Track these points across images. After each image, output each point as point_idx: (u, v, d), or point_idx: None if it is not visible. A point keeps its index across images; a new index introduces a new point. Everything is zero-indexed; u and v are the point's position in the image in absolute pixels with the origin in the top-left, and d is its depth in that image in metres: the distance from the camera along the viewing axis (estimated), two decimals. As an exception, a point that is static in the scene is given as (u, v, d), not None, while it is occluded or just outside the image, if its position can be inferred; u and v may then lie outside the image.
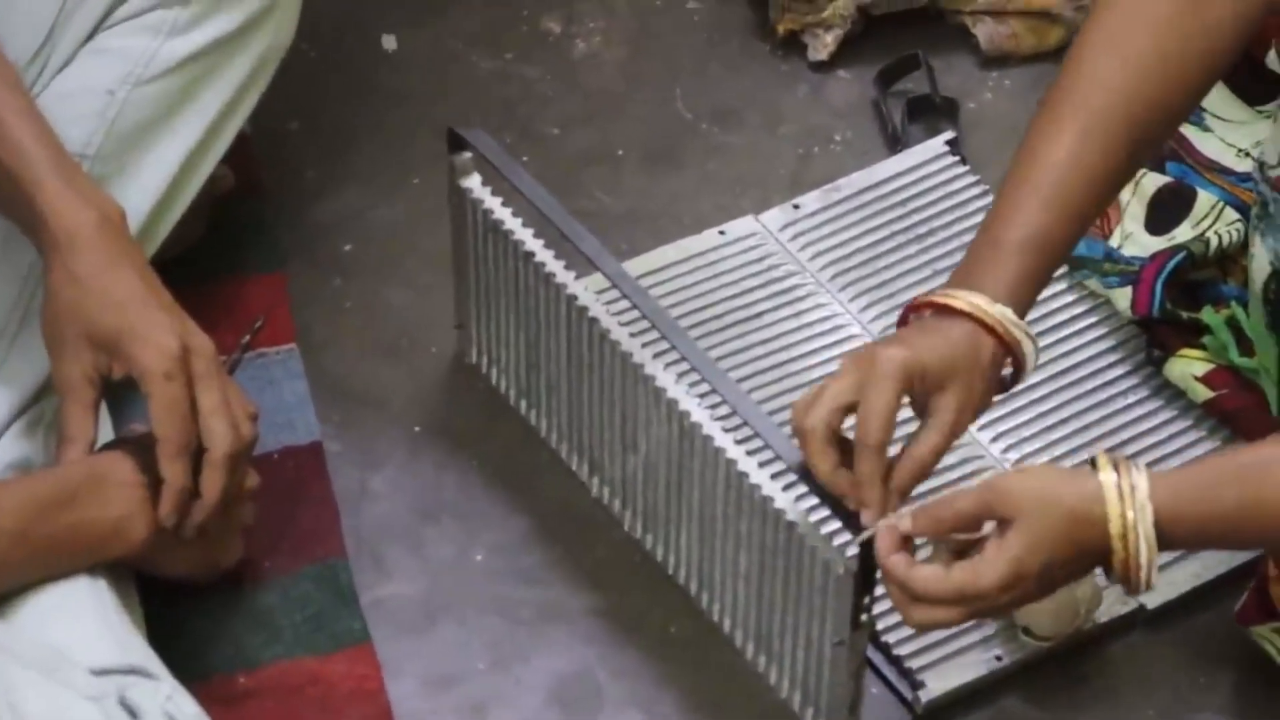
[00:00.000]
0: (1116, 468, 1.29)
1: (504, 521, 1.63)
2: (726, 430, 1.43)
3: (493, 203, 1.55)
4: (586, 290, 1.49)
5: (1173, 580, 1.58)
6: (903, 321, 1.41)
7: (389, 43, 1.98)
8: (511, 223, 1.54)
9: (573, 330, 1.47)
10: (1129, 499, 1.29)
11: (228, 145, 1.65)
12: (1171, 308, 1.68)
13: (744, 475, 1.39)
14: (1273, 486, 1.29)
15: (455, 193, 1.57)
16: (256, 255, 1.79)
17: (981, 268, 1.38)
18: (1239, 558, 1.58)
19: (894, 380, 1.33)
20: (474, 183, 1.56)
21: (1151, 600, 1.57)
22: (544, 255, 1.52)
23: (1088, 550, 1.30)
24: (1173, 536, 1.29)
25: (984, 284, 1.37)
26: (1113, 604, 1.56)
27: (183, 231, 1.66)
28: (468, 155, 1.54)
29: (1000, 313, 1.36)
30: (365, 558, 1.60)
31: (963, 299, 1.36)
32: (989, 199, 1.83)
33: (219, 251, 1.77)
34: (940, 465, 1.60)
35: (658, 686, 1.51)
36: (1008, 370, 1.39)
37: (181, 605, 1.53)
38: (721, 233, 1.82)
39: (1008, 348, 1.37)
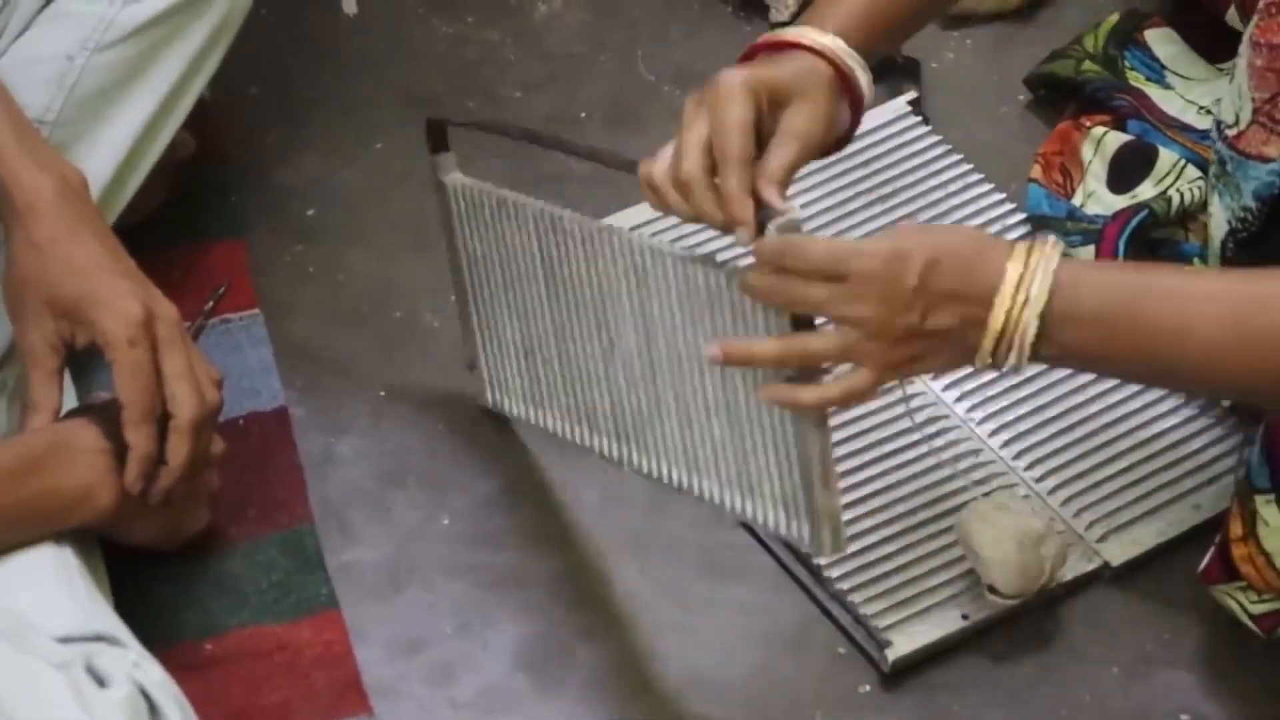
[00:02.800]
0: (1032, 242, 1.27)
1: (470, 486, 1.63)
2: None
3: (474, 183, 1.52)
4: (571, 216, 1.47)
5: (1136, 538, 1.58)
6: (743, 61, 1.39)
7: (349, 6, 1.97)
8: (499, 192, 1.51)
9: (559, 249, 1.45)
10: (1037, 250, 1.26)
11: (188, 111, 1.65)
12: (1134, 266, 1.69)
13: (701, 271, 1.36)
14: (1178, 294, 1.26)
15: (440, 189, 1.53)
16: (219, 221, 1.78)
17: (816, 13, 1.38)
18: (1202, 515, 1.59)
19: (740, 93, 1.30)
20: (456, 176, 1.54)
21: (1116, 558, 1.57)
22: (524, 199, 1.50)
23: (978, 276, 1.25)
24: (1067, 310, 1.25)
25: (817, 23, 1.37)
26: (1078, 561, 1.57)
27: (144, 198, 1.66)
28: (449, 154, 1.51)
29: (833, 41, 1.35)
30: (331, 523, 1.59)
31: (792, 34, 1.36)
32: (952, 158, 1.83)
33: (181, 218, 1.77)
34: (906, 425, 1.62)
35: (623, 646, 1.51)
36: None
37: (147, 572, 1.52)
38: (684, 195, 1.81)
39: (843, 76, 1.35)
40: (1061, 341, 1.26)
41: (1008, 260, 1.25)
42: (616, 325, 1.40)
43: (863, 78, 1.37)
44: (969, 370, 1.31)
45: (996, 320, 1.25)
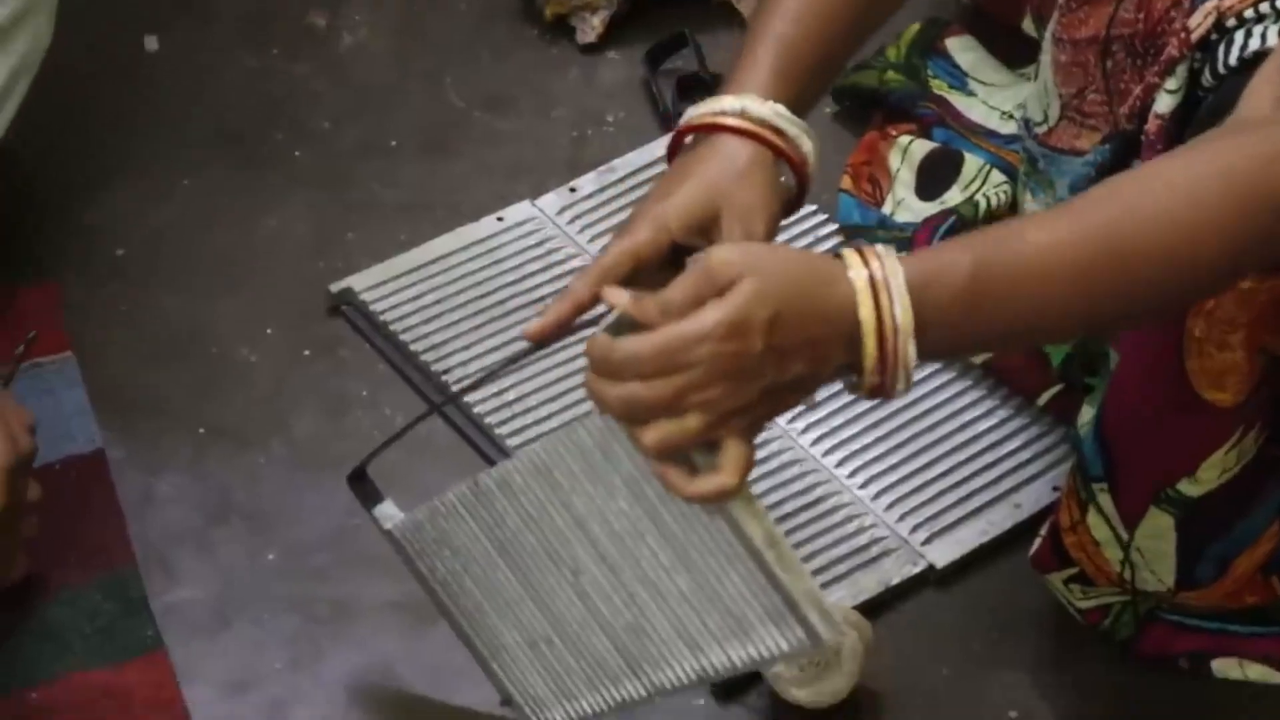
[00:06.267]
0: (858, 250, 1.18)
1: (295, 520, 1.62)
2: None
3: (410, 515, 1.43)
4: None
5: (959, 539, 1.60)
6: (673, 152, 1.35)
7: (151, 44, 1.95)
8: (429, 505, 1.40)
9: (492, 515, 1.36)
10: (873, 257, 1.17)
11: (-11, 154, 1.63)
12: (946, 271, 1.70)
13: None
14: (1018, 242, 1.20)
15: (389, 537, 1.44)
16: (27, 265, 1.76)
17: (736, 75, 1.33)
18: (1023, 514, 1.61)
19: (646, 237, 1.28)
20: (397, 519, 1.43)
21: (940, 560, 1.59)
22: (447, 495, 1.40)
23: (826, 315, 1.16)
24: (928, 302, 1.17)
25: (737, 87, 1.32)
26: (902, 565, 1.58)
27: (-52, 244, 1.63)
28: (385, 501, 1.43)
29: (759, 107, 1.30)
30: (154, 564, 1.58)
31: (711, 113, 1.31)
32: (763, 172, 1.84)
33: (-13, 263, 1.74)
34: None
35: (458, 675, 1.50)
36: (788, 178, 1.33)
37: (-33, 623, 1.50)
38: (500, 219, 1.82)
39: (772, 147, 1.31)
40: (931, 349, 1.20)
41: (847, 284, 1.16)
42: (566, 552, 1.32)
43: (797, 135, 1.32)
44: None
45: (869, 359, 1.18)
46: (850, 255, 1.18)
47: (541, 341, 1.29)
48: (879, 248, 1.18)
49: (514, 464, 1.32)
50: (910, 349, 1.17)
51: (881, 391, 1.19)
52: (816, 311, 1.16)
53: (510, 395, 1.67)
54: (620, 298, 1.17)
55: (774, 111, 1.31)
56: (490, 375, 1.44)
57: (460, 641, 1.45)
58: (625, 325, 1.17)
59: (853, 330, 1.17)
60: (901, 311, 1.16)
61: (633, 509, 1.27)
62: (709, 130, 1.32)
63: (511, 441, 1.64)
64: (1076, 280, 1.19)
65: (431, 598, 1.44)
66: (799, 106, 1.33)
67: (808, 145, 1.33)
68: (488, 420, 1.65)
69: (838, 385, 1.60)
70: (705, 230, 1.30)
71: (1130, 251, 1.19)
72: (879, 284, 1.16)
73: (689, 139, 1.34)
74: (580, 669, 1.38)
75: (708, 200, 1.29)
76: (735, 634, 1.27)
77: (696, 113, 1.33)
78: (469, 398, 1.65)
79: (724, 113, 1.31)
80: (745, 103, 1.31)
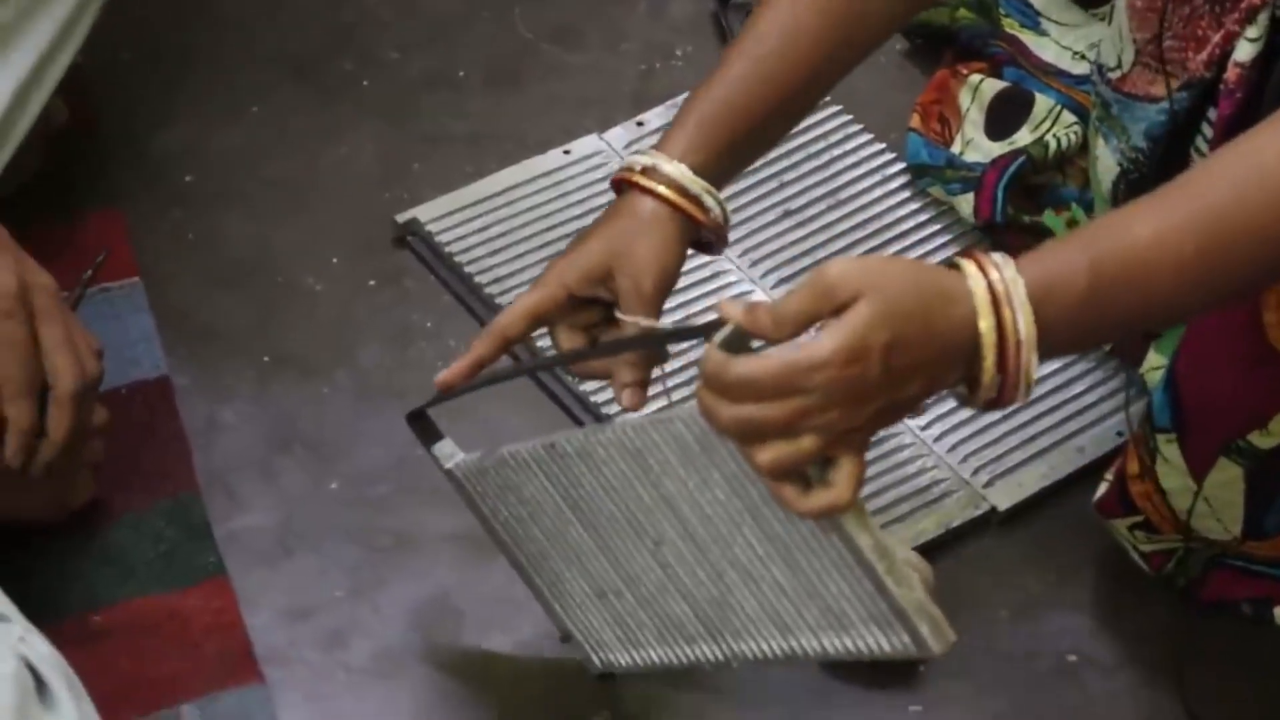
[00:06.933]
0: (974, 259, 1.17)
1: (357, 450, 1.62)
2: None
3: (475, 458, 1.43)
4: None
5: (1021, 482, 1.60)
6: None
7: (222, -31, 1.96)
8: (497, 454, 1.40)
9: (568, 476, 1.36)
10: (991, 267, 1.15)
11: (60, 79, 1.62)
12: (1014, 212, 1.70)
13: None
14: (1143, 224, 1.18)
15: (449, 477, 1.44)
16: (94, 190, 1.76)
17: (666, 134, 1.38)
18: (1085, 458, 1.60)
19: (542, 297, 1.36)
20: (458, 458, 1.43)
21: (1002, 503, 1.59)
22: (518, 447, 1.39)
23: (945, 334, 1.15)
24: (1049, 311, 1.15)
25: (664, 146, 1.37)
26: (964, 507, 1.58)
27: (17, 168, 1.63)
28: (444, 440, 1.43)
29: (674, 169, 1.35)
30: (218, 491, 1.58)
31: (623, 169, 1.37)
32: (831, 109, 1.84)
33: (55, 188, 1.75)
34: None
35: (517, 609, 1.51)
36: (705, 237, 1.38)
37: (31, 546, 1.51)
38: (566, 152, 1.81)
39: (677, 207, 1.35)
40: (1049, 353, 1.18)
41: (967, 300, 1.15)
42: (650, 524, 1.32)
43: (699, 194, 1.36)
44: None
45: (989, 375, 1.16)
46: (968, 265, 1.16)
47: (448, 392, 1.37)
48: (996, 256, 1.16)
49: (599, 438, 1.31)
50: (1033, 361, 1.16)
51: (998, 405, 1.18)
52: (936, 333, 1.14)
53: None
54: (734, 311, 1.16)
55: (679, 172, 1.35)
56: (444, 398, 1.41)
57: (520, 578, 1.45)
58: (736, 339, 1.16)
59: (971, 346, 1.15)
60: (1025, 325, 1.15)
61: (730, 501, 1.25)
62: (624, 185, 1.37)
63: (594, 397, 1.63)
64: (1191, 269, 1.18)
65: (491, 536, 1.44)
66: (716, 168, 1.37)
67: (712, 204, 1.36)
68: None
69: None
70: (602, 282, 1.35)
71: (1242, 234, 1.17)
72: (1000, 297, 1.15)
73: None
74: (651, 624, 1.37)
75: (603, 257, 1.35)
76: (833, 627, 1.26)
77: (622, 165, 1.38)
78: (543, 342, 1.65)
79: (632, 169, 1.37)
80: (656, 161, 1.36)
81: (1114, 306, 1.18)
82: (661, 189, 1.35)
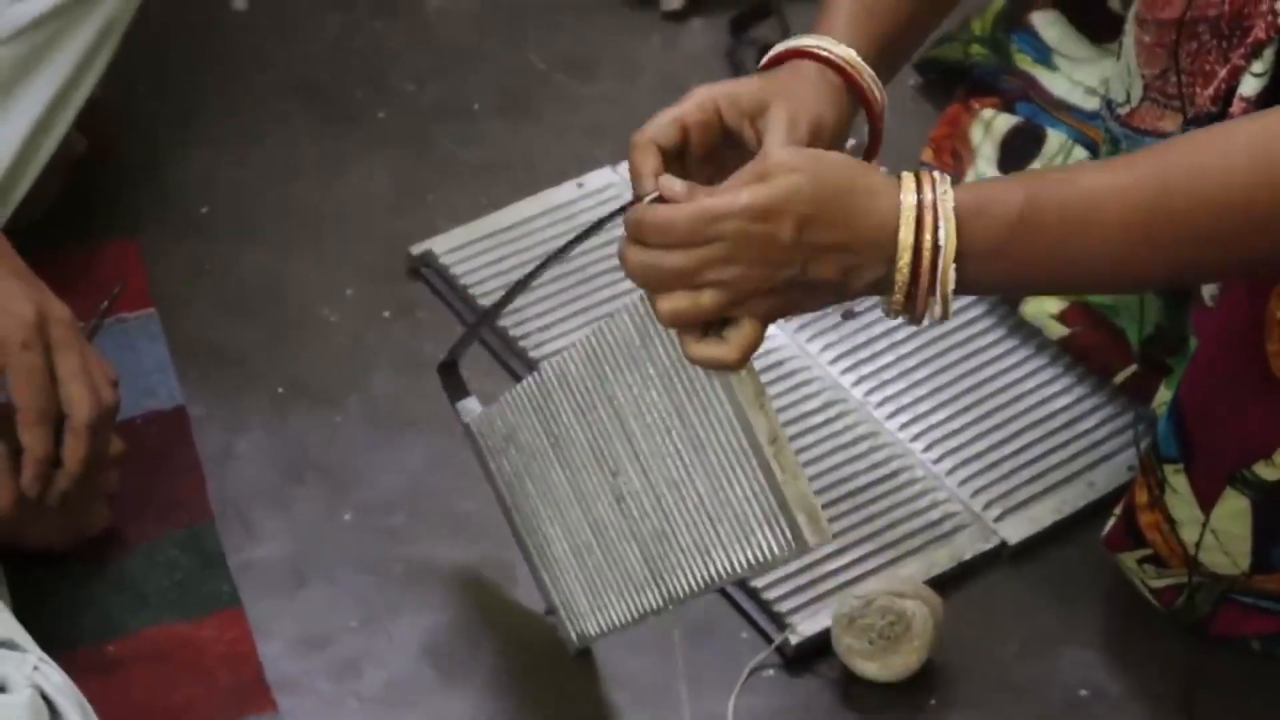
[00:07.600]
0: (918, 174, 1.19)
1: (371, 480, 1.63)
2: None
3: (488, 410, 1.46)
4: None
5: (1034, 516, 1.60)
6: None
7: (239, 3, 1.96)
8: (502, 399, 1.44)
9: (551, 407, 1.40)
10: (928, 180, 1.18)
11: (79, 110, 1.63)
12: (1025, 247, 1.70)
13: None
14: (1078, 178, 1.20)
15: (467, 432, 1.47)
16: (111, 220, 1.77)
17: (817, 28, 1.34)
18: (1097, 493, 1.61)
19: (692, 107, 1.28)
20: (477, 414, 1.47)
21: (1013, 537, 1.59)
22: (517, 387, 1.43)
23: (864, 227, 1.17)
24: (975, 229, 1.18)
25: (817, 31, 1.33)
26: (975, 541, 1.58)
27: (36, 198, 1.64)
28: (470, 398, 1.47)
29: (832, 45, 1.30)
30: (233, 520, 1.59)
31: (793, 42, 1.31)
32: (849, 143, 1.84)
33: (72, 218, 1.76)
34: (802, 410, 1.63)
35: (531, 639, 1.51)
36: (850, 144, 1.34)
37: (46, 575, 1.52)
38: (580, 185, 1.82)
39: (849, 79, 1.31)
40: (975, 280, 1.20)
41: (891, 201, 1.18)
42: (609, 450, 1.35)
43: (867, 77, 1.31)
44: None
45: (901, 277, 1.19)
46: (908, 178, 1.19)
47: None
48: (938, 174, 1.19)
49: (570, 352, 1.35)
50: (950, 273, 1.18)
51: (911, 313, 1.21)
52: (855, 221, 1.18)
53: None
54: (677, 185, 1.19)
55: (851, 55, 1.32)
56: (521, 285, 1.42)
57: (520, 552, 1.47)
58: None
59: (890, 245, 1.18)
60: (946, 235, 1.17)
61: (662, 401, 1.29)
62: (787, 58, 1.32)
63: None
64: (1130, 225, 1.19)
65: (499, 503, 1.47)
66: (875, 64, 1.33)
67: (879, 90, 1.33)
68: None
69: (914, 372, 1.61)
70: (750, 116, 1.29)
71: (1184, 198, 1.18)
72: (925, 206, 1.18)
73: None
74: (613, 579, 1.40)
75: (760, 91, 1.29)
76: (739, 539, 1.29)
77: (784, 43, 1.33)
78: (537, 352, 1.66)
79: (803, 44, 1.32)
80: (823, 41, 1.32)
81: (1046, 245, 1.19)
82: (839, 61, 1.30)
